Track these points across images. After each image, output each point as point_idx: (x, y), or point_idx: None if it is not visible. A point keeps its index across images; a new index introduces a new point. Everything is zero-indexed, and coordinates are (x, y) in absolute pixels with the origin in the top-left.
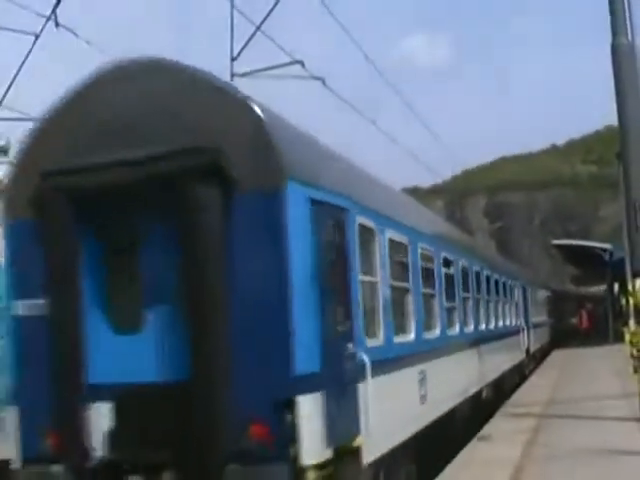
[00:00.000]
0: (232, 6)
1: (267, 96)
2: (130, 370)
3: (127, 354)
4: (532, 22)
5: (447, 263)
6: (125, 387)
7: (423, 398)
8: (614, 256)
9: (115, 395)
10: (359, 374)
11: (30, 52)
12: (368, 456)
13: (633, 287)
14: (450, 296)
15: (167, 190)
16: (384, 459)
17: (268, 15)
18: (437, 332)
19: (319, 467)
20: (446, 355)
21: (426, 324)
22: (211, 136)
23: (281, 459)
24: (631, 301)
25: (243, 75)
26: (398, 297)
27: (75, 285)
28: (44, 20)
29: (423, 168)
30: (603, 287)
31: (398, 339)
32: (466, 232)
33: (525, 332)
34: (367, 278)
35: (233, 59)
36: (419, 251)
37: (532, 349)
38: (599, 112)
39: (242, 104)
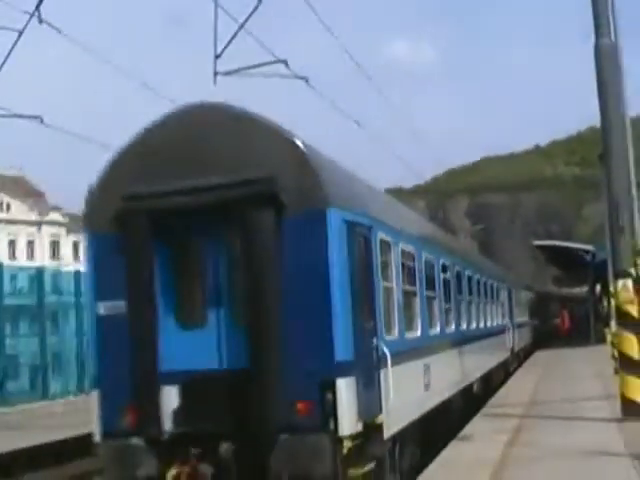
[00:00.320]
0: (216, 4)
1: (252, 95)
2: (194, 359)
3: (192, 346)
4: (516, 22)
5: (444, 269)
6: (190, 373)
7: (427, 386)
8: (596, 257)
9: (182, 380)
10: (381, 363)
11: (13, 48)
12: (387, 432)
13: (615, 288)
14: (447, 298)
15: (227, 212)
16: (399, 435)
17: (252, 14)
18: (437, 330)
19: (352, 438)
20: (445, 350)
21: (429, 323)
22: (266, 169)
23: (323, 430)
24: (612, 302)
25: (226, 73)
26: (407, 299)
27: (150, 289)
28: (28, 17)
29: (406, 169)
30: (585, 288)
31: (408, 335)
32: (449, 233)
33: (510, 332)
34: (385, 283)
35: (217, 57)
36: (423, 259)
37: (516, 348)
38: (582, 113)
39: (291, 143)
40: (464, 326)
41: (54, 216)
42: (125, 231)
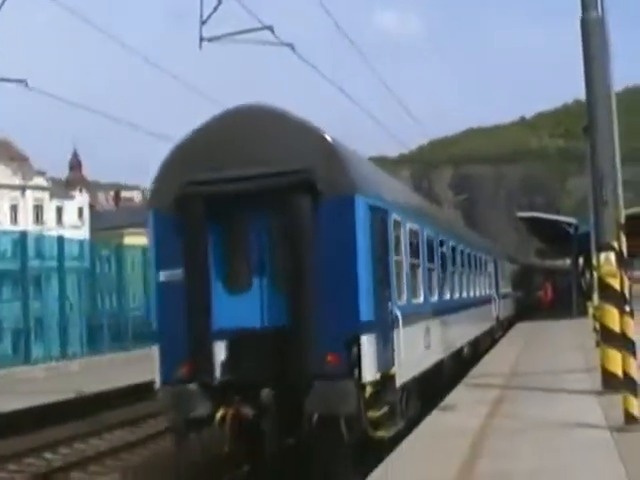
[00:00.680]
0: None
1: (237, 61)
2: (240, 319)
3: (238, 308)
4: None
5: (442, 243)
6: (237, 331)
7: (427, 346)
8: (579, 230)
9: (230, 337)
10: (394, 324)
11: None
12: (399, 381)
13: (597, 261)
14: (444, 269)
15: (270, 197)
16: (406, 385)
17: None
18: (436, 297)
19: (372, 384)
20: (441, 316)
21: (429, 291)
22: (304, 162)
23: (349, 377)
24: (595, 275)
25: (211, 39)
26: (413, 270)
27: (204, 260)
28: None
29: (391, 138)
30: (568, 261)
31: (414, 301)
32: (433, 203)
33: (495, 302)
34: (397, 257)
35: (202, 23)
36: (425, 236)
37: (501, 317)
38: (569, 86)
39: (323, 139)
40: (457, 295)
41: (38, 181)
42: (184, 212)
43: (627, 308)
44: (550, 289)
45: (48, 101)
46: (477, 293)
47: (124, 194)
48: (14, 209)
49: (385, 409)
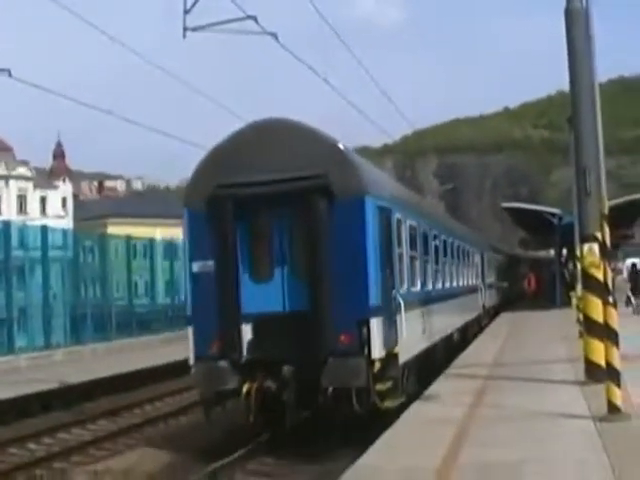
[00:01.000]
0: None
1: (221, 50)
2: (264, 305)
3: (262, 295)
4: None
5: (435, 237)
6: (261, 315)
7: (424, 330)
8: (563, 221)
9: (255, 320)
10: (397, 309)
11: None
12: (401, 359)
13: (581, 252)
14: (436, 261)
15: (290, 198)
16: (407, 362)
17: None
18: (430, 286)
19: (380, 360)
20: (435, 303)
21: (424, 280)
22: (320, 167)
23: (360, 355)
24: (578, 266)
25: (195, 29)
26: (411, 262)
27: (233, 253)
28: None
29: (374, 127)
30: (552, 251)
31: (412, 289)
32: (416, 193)
33: (482, 291)
34: (399, 250)
35: (186, 12)
36: (422, 231)
37: (487, 306)
38: (553, 77)
39: (337, 148)
40: (448, 284)
41: (22, 170)
42: (215, 211)
43: (610, 299)
44: (534, 279)
45: (32, 91)
46: (465, 283)
47: (107, 184)
48: None
49: (390, 383)
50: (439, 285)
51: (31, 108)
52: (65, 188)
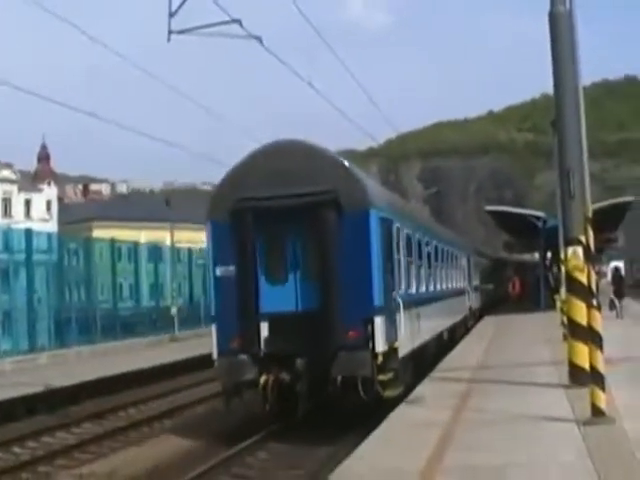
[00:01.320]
0: None
1: (206, 54)
2: (279, 304)
3: (277, 296)
4: None
5: (427, 244)
6: (276, 313)
7: (418, 328)
8: (547, 224)
9: (271, 318)
10: (397, 309)
11: None
12: (400, 353)
13: (565, 255)
14: (429, 265)
15: (303, 211)
16: (405, 356)
17: None
18: (423, 289)
19: (382, 354)
20: (427, 304)
21: (418, 283)
22: (331, 183)
23: (365, 349)
24: (563, 269)
25: (181, 32)
26: (408, 266)
27: (252, 259)
28: None
29: (359, 131)
30: (536, 255)
31: (409, 291)
32: (400, 197)
33: (469, 294)
34: (398, 256)
35: (171, 15)
36: (417, 238)
37: (473, 308)
38: (537, 80)
39: (344, 165)
40: (438, 287)
41: (6, 173)
42: (237, 222)
43: (594, 302)
44: (518, 283)
45: (16, 93)
46: (453, 285)
47: (92, 187)
48: None
49: (391, 374)
50: (431, 287)
51: (15, 110)
52: (50, 191)
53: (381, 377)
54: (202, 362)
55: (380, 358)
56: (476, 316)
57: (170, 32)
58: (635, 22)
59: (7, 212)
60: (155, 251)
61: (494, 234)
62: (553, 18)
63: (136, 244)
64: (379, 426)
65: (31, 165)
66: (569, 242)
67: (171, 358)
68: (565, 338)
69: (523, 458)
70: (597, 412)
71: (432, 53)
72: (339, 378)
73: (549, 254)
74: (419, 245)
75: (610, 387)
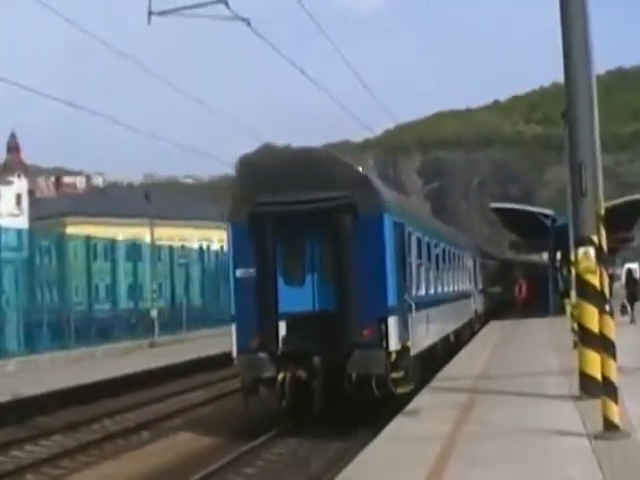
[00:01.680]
0: None
1: (189, 37)
2: (297, 304)
3: (295, 297)
4: None
5: (436, 246)
6: (294, 313)
7: (427, 330)
8: (556, 223)
9: (289, 317)
10: (409, 309)
11: None
12: (412, 352)
13: (576, 257)
14: (437, 268)
15: (320, 215)
16: (416, 356)
17: None
18: (432, 291)
19: (396, 352)
20: (436, 306)
21: (427, 285)
22: (346, 189)
23: (379, 347)
24: (573, 271)
25: (162, 13)
26: (418, 269)
27: (272, 261)
28: None
29: (354, 121)
30: (545, 255)
31: (419, 293)
32: (399, 192)
33: (474, 297)
34: (409, 259)
35: None
36: (426, 240)
37: (479, 311)
38: (545, 67)
39: (359, 172)
40: (445, 289)
41: None
42: (256, 225)
43: (607, 307)
44: (525, 286)
45: None
46: (460, 288)
47: (66, 179)
48: None
49: (403, 372)
50: (439, 290)
51: None
52: (20, 184)
53: (394, 375)
54: (185, 370)
55: (393, 356)
56: (482, 320)
57: (150, 13)
58: None
59: None
60: (134, 249)
61: (499, 233)
62: (565, 1)
63: (113, 241)
64: (373, 440)
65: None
66: (580, 242)
67: (150, 365)
68: (575, 346)
69: (530, 475)
70: (610, 425)
71: (432, 37)
72: (354, 375)
73: (558, 255)
74: (428, 247)
75: (623, 398)
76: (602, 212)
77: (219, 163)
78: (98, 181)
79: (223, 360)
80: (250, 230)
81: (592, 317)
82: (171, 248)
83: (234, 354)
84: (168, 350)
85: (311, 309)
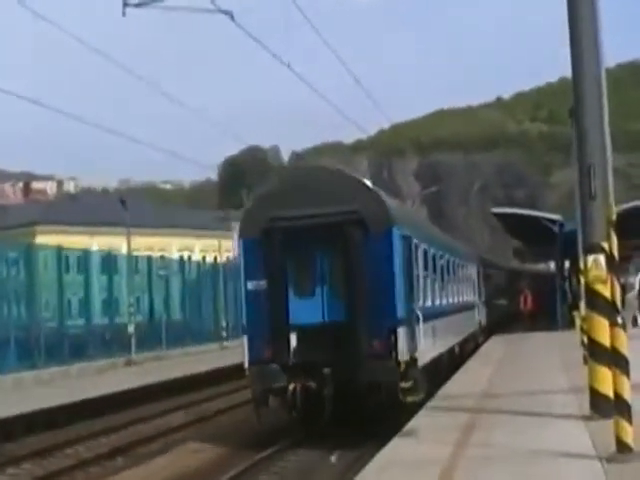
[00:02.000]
0: None
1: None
2: (307, 316)
3: (306, 309)
4: None
5: (440, 257)
6: (305, 325)
7: (434, 341)
8: (564, 228)
9: (300, 329)
10: (417, 321)
11: None
12: (420, 363)
13: (585, 265)
14: (442, 279)
15: (330, 229)
16: (423, 366)
17: None
18: (438, 302)
19: (405, 363)
20: (441, 317)
21: (433, 297)
22: (356, 203)
23: (389, 358)
24: (582, 281)
25: (138, 5)
26: (424, 281)
27: (283, 275)
28: None
29: (346, 120)
30: (551, 264)
31: (426, 304)
32: (394, 197)
33: (478, 308)
34: (416, 271)
35: None
36: (431, 252)
37: (483, 323)
38: (552, 61)
39: (369, 188)
40: (450, 300)
41: None
42: (268, 240)
43: (619, 319)
44: (530, 297)
45: None
46: (464, 299)
47: (35, 185)
48: None
49: (411, 382)
50: (444, 301)
51: None
52: None
53: (403, 385)
54: (164, 390)
55: (402, 366)
56: (486, 331)
57: (125, 5)
58: None
59: None
60: (109, 260)
61: (502, 240)
62: None
63: (86, 252)
64: (366, 466)
65: None
66: (590, 249)
67: (127, 385)
68: (586, 361)
69: None
70: (623, 447)
71: (431, 31)
72: (364, 385)
73: (566, 263)
74: (433, 259)
75: (638, 418)
76: (613, 217)
77: (200, 167)
78: (70, 187)
79: (205, 379)
80: (261, 244)
81: (603, 330)
82: (149, 259)
83: (245, 365)
84: (146, 368)
85: (321, 321)
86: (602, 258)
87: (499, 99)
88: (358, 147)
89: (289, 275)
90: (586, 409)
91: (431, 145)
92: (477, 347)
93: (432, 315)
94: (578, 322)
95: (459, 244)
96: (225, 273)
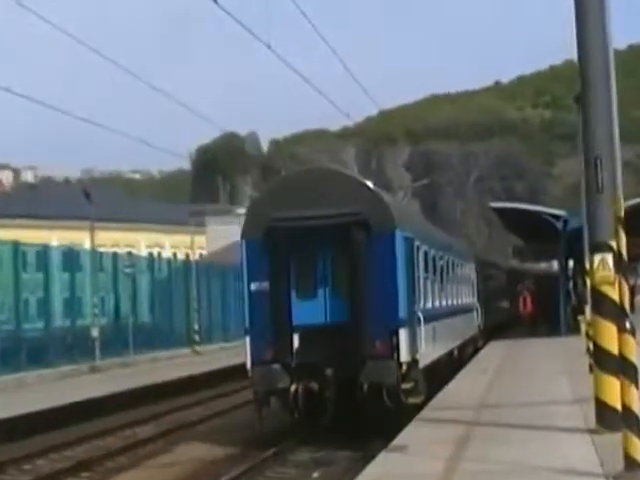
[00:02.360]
0: None
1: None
2: (309, 317)
3: (308, 310)
4: None
5: (441, 258)
6: (307, 326)
7: (434, 342)
8: (569, 225)
9: (302, 330)
10: (418, 322)
11: None
12: (421, 364)
13: (591, 265)
14: (442, 281)
15: (333, 230)
16: (424, 368)
17: None
18: (438, 304)
19: (406, 364)
20: (442, 320)
21: (434, 299)
22: (359, 206)
23: (391, 358)
24: (588, 283)
25: None
26: (425, 282)
27: (286, 275)
28: None
29: (332, 106)
30: (554, 264)
31: (426, 306)
32: (384, 189)
33: (477, 311)
34: (418, 273)
35: None
36: (432, 254)
37: (482, 326)
38: (556, 43)
39: (372, 189)
40: (450, 302)
41: None
42: (271, 240)
43: (627, 324)
44: (530, 299)
45: None
46: (464, 301)
47: None
48: None
49: (412, 383)
50: (444, 303)
51: None
52: None
53: (404, 386)
54: (131, 399)
55: (404, 367)
56: (485, 335)
57: None
58: None
59: None
60: (71, 257)
61: (500, 238)
62: None
63: (46, 248)
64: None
65: None
66: (596, 248)
67: (91, 393)
68: (591, 370)
69: None
70: (631, 463)
71: (423, 8)
72: (366, 386)
73: (571, 263)
74: (434, 261)
75: None
76: (622, 213)
77: (172, 156)
78: (28, 176)
79: (178, 386)
80: (264, 245)
81: (610, 336)
82: (115, 255)
83: (248, 366)
84: (112, 375)
85: (323, 322)
86: (609, 257)
87: (498, 83)
88: (344, 135)
89: (292, 276)
90: (591, 422)
91: (423, 133)
92: (476, 351)
93: (432, 317)
94: (583, 327)
95: (457, 243)
96: (198, 272)
